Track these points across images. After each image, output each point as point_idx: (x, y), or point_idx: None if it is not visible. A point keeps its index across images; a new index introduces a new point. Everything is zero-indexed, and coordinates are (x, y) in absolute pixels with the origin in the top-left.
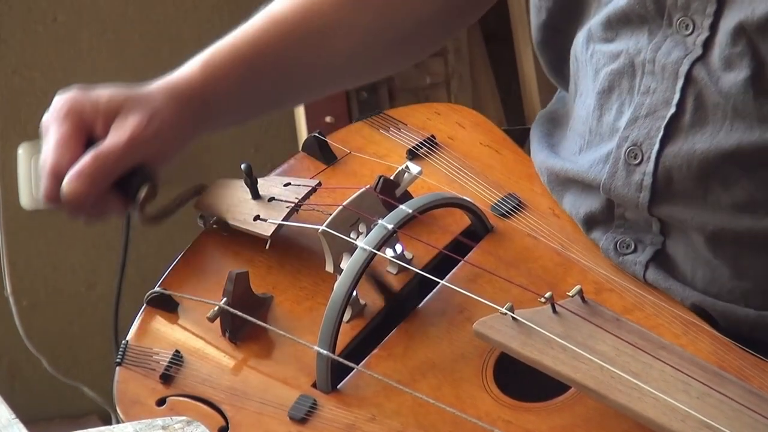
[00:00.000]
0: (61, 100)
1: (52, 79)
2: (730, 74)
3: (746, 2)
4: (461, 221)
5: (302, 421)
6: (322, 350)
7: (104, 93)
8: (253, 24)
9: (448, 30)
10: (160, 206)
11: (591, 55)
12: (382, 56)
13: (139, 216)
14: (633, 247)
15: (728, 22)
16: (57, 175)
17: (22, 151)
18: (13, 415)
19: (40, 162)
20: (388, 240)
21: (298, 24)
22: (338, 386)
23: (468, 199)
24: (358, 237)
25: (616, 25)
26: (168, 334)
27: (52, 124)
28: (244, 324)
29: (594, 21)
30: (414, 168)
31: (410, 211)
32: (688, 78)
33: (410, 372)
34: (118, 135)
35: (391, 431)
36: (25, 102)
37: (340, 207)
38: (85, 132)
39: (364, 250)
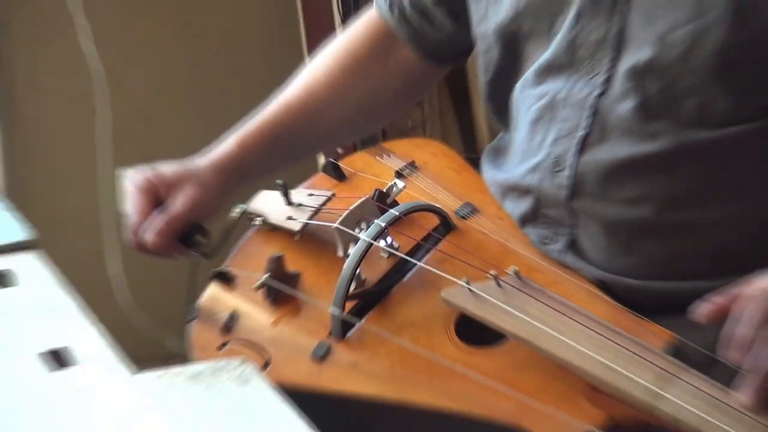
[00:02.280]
0: (137, 177)
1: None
2: (623, 104)
3: (634, 51)
4: (433, 221)
5: (321, 359)
6: (335, 310)
7: (167, 169)
8: (270, 110)
9: (411, 97)
10: (212, 244)
11: (525, 98)
12: (370, 119)
13: (200, 254)
14: (552, 238)
15: (623, 66)
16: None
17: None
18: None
19: (126, 221)
20: (381, 234)
21: (301, 105)
22: (346, 336)
23: (438, 205)
24: (361, 232)
25: (542, 73)
26: (227, 300)
27: (132, 195)
28: (280, 292)
29: (528, 72)
30: (400, 184)
31: (397, 213)
32: (594, 108)
33: (397, 327)
34: (181, 202)
35: (383, 367)
36: None
37: (348, 211)
38: (155, 199)
39: (365, 241)
